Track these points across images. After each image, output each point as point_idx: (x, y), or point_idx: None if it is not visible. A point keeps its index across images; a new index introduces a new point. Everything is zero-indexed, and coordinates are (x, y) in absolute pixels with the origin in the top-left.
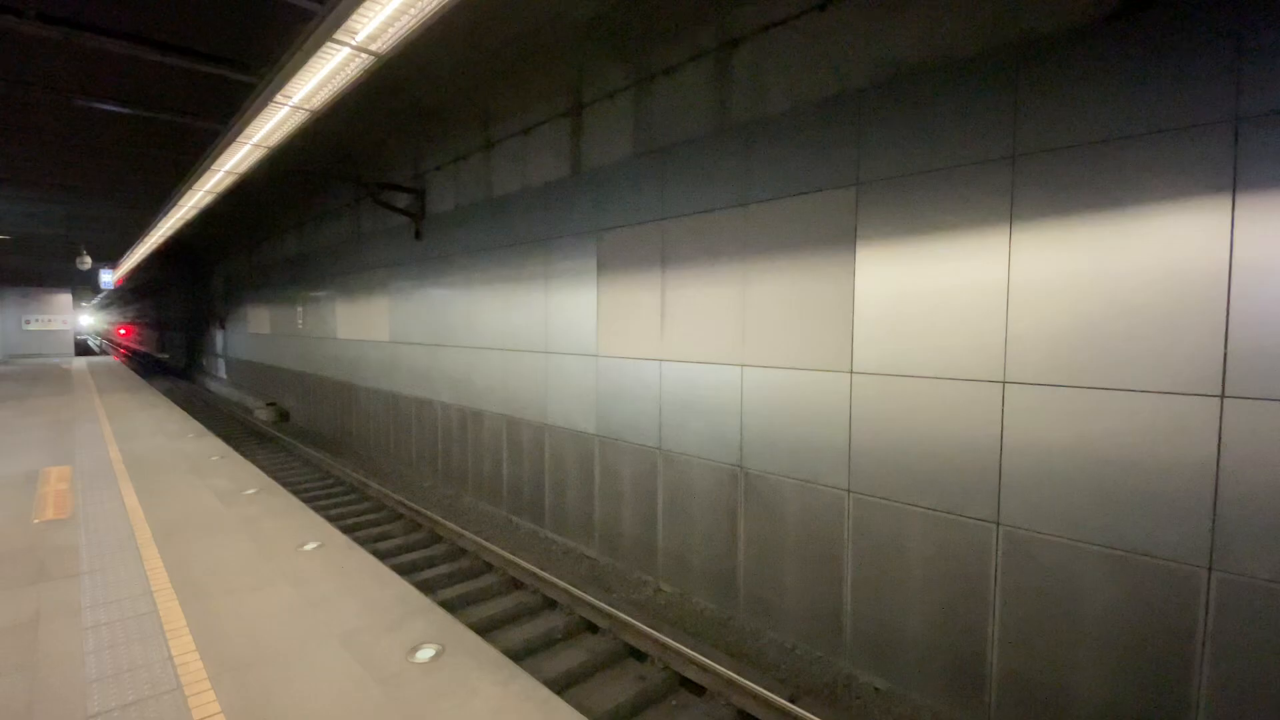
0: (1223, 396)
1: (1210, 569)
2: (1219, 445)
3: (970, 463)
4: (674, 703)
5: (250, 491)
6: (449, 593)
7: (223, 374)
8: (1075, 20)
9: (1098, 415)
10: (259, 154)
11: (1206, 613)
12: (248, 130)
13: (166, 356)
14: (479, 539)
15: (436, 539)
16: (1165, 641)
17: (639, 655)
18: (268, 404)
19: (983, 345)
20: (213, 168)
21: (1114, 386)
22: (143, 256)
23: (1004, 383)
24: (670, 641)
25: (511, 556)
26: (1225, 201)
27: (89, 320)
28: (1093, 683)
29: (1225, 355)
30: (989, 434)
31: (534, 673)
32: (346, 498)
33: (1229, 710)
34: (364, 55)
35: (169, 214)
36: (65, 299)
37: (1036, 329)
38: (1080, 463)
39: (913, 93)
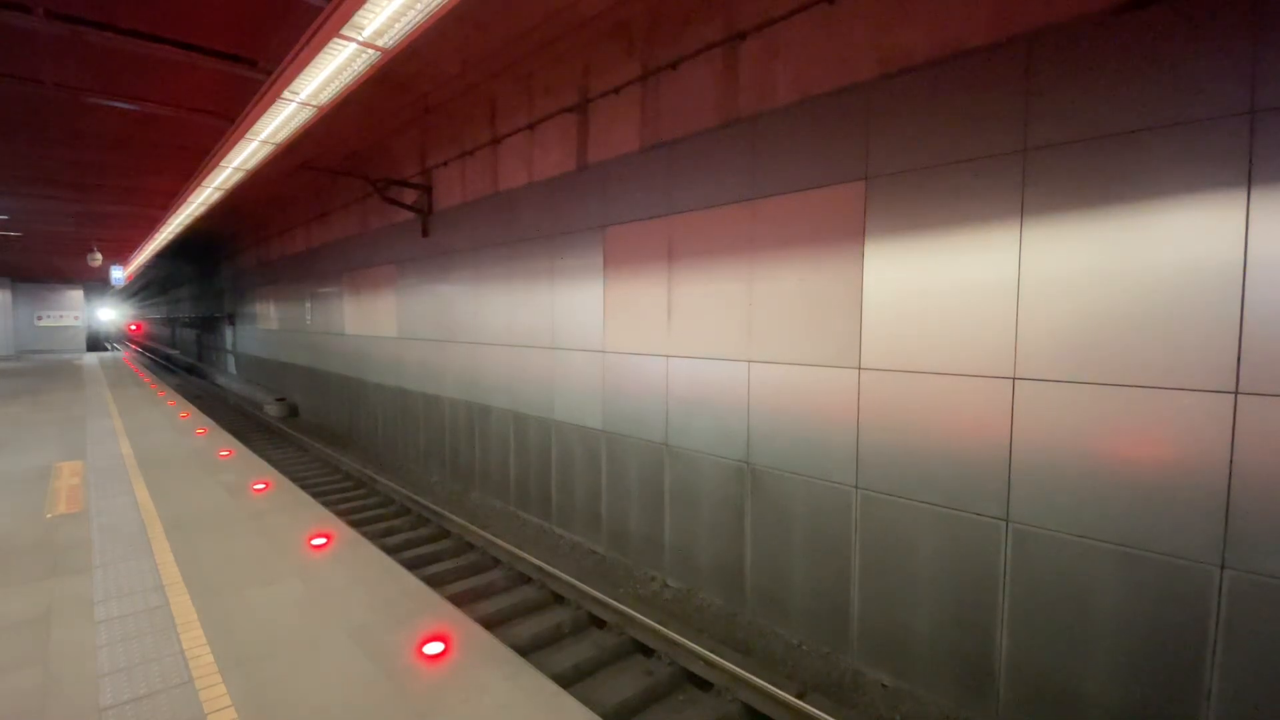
0: (1236, 393)
1: (1222, 566)
2: (1232, 442)
3: (979, 459)
4: (681, 698)
5: (260, 486)
6: (457, 587)
7: (232, 370)
8: (1088, 11)
9: (1109, 412)
10: (266, 150)
11: (1219, 610)
12: (255, 127)
13: (177, 351)
14: (486, 534)
15: (444, 534)
16: (1177, 639)
17: (646, 651)
18: (277, 399)
19: (993, 341)
20: (221, 164)
21: (1126, 383)
22: (153, 253)
23: (1014, 379)
24: (677, 637)
25: (519, 551)
26: (1240, 196)
27: (110, 315)
28: (1103, 680)
29: (1239, 351)
30: (998, 430)
31: (541, 667)
32: (355, 493)
33: (1241, 708)
34: (370, 51)
35: (179, 211)
36: (76, 295)
37: (1047, 325)
38: (1091, 459)
39: (922, 85)
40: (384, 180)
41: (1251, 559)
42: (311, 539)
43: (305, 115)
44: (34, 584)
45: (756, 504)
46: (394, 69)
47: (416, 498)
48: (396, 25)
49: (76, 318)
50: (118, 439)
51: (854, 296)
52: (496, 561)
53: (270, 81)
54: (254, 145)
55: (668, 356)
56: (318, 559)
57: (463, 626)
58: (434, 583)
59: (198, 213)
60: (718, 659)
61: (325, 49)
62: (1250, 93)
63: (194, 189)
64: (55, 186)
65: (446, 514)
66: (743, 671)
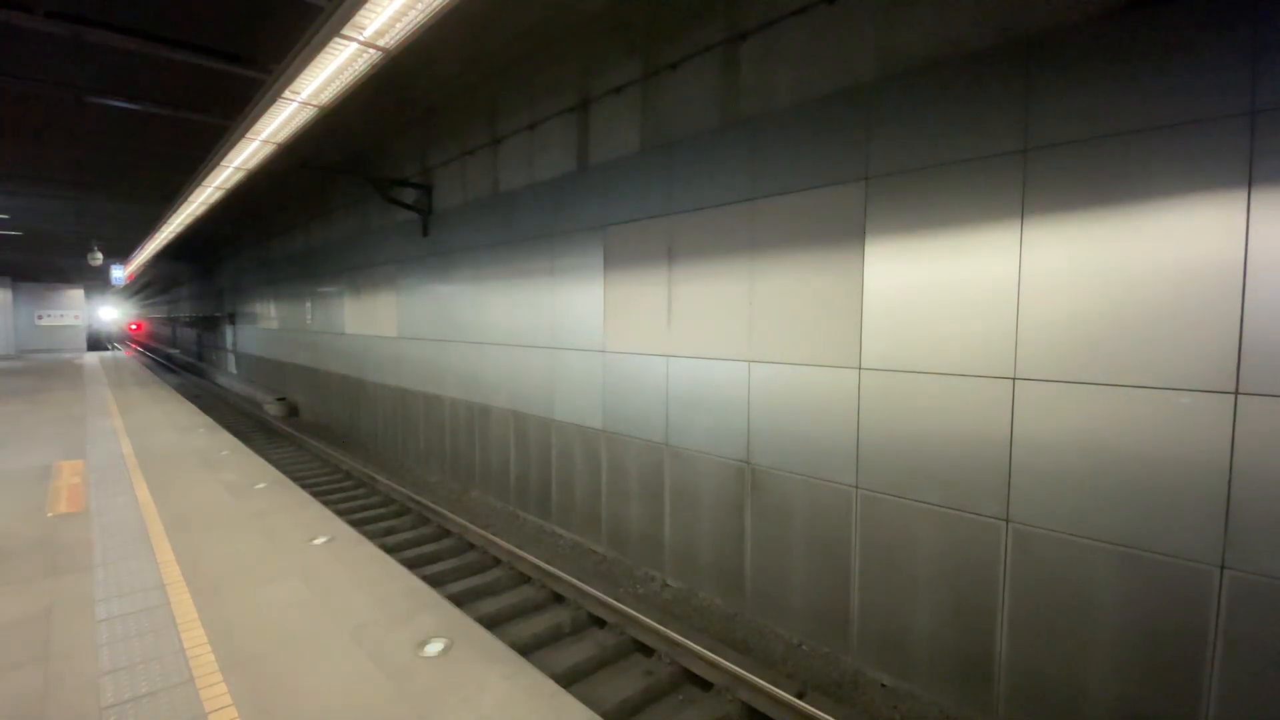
0: (1236, 393)
1: (1222, 567)
2: (1232, 442)
3: (979, 459)
4: (681, 698)
5: (260, 486)
6: (457, 587)
7: (233, 369)
8: (1088, 12)
9: (1109, 412)
10: (268, 150)
11: (1218, 610)
12: (256, 126)
13: (177, 351)
14: (486, 533)
15: (444, 533)
16: (1176, 639)
17: (646, 650)
18: (277, 399)
19: (993, 341)
20: (222, 164)
21: (1126, 383)
22: (154, 252)
23: (1014, 379)
24: (677, 637)
25: (519, 551)
26: (1240, 196)
27: (111, 314)
28: (1103, 680)
29: (1240, 351)
30: (999, 431)
31: (541, 667)
32: (355, 492)
33: (1240, 708)
34: (371, 50)
35: (179, 210)
36: (77, 294)
37: (1047, 325)
38: (1091, 460)
39: (923, 86)
40: (384, 180)
41: (1251, 559)
42: (312, 538)
43: (306, 115)
44: (35, 583)
45: (757, 504)
46: (395, 69)
47: (417, 497)
48: (398, 25)
49: (77, 317)
50: (118, 438)
51: (854, 297)
52: (496, 561)
53: (271, 81)
54: (254, 145)
55: (668, 356)
56: (318, 558)
57: (463, 626)
58: (434, 582)
59: (198, 213)
60: (718, 658)
61: (326, 49)
62: (1251, 92)
63: (194, 189)
64: (55, 186)
65: (446, 513)
66: (743, 671)
